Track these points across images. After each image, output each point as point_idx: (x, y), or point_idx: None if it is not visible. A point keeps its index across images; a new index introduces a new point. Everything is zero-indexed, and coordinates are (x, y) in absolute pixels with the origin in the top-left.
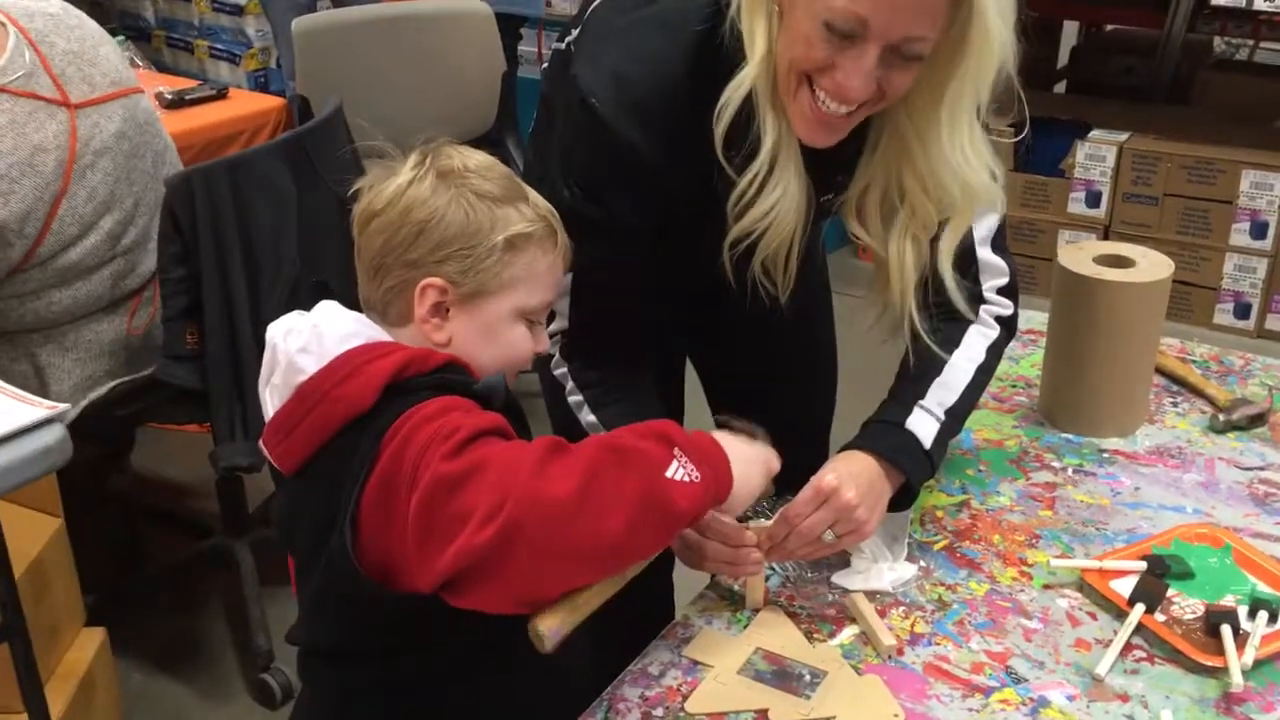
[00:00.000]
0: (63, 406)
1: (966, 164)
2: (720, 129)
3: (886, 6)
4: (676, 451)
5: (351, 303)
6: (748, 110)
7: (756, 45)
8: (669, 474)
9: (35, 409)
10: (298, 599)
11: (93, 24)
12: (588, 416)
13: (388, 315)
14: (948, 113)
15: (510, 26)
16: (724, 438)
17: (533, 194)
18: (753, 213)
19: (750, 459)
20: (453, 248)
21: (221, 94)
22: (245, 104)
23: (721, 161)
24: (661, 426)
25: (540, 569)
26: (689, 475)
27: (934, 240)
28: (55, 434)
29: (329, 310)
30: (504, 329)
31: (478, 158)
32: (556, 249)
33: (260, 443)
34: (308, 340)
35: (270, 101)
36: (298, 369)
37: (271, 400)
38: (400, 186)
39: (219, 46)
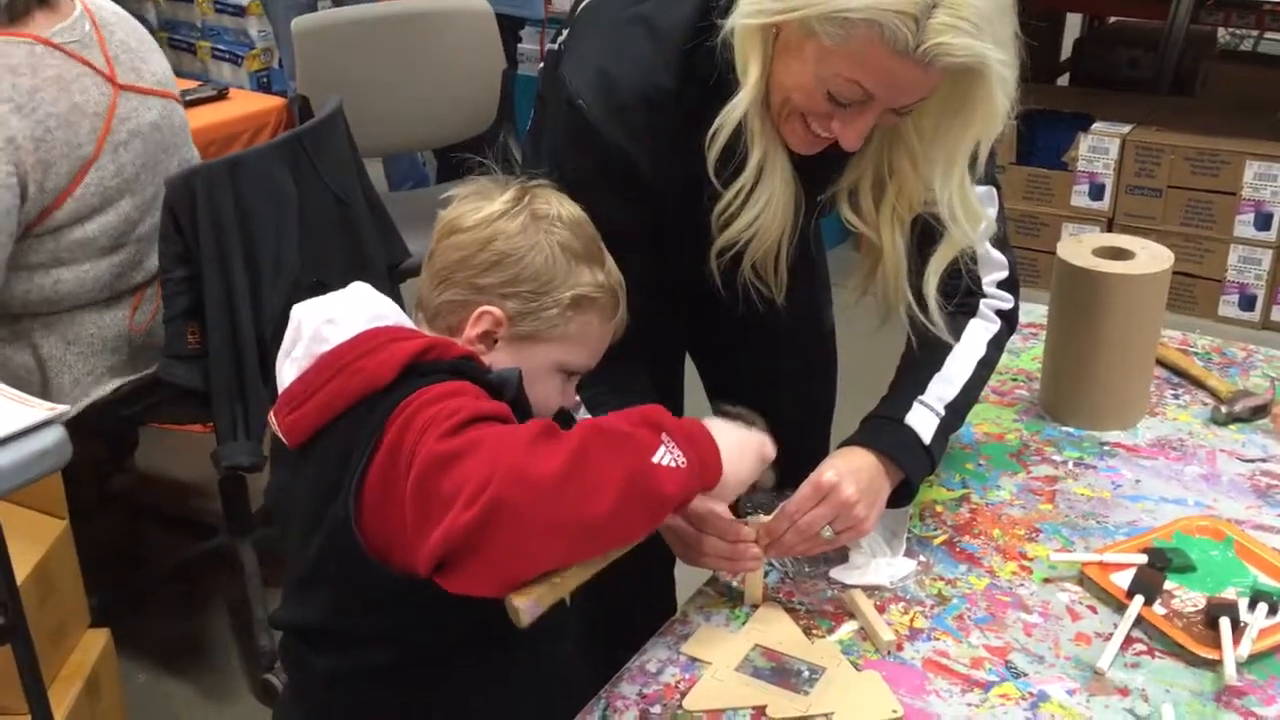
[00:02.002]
0: (61, 408)
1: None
2: (714, 153)
3: (889, 87)
4: (664, 437)
5: None
6: (737, 125)
7: (750, 71)
8: (656, 459)
9: (34, 410)
10: (285, 580)
11: (148, 34)
12: (584, 418)
13: (435, 323)
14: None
15: (509, 27)
16: (715, 424)
17: (609, 261)
18: (737, 224)
19: (742, 445)
20: (521, 288)
21: (222, 94)
22: (246, 104)
23: (711, 177)
24: (650, 413)
25: (523, 547)
26: (675, 460)
27: (921, 263)
28: (54, 436)
29: (361, 290)
30: (541, 377)
31: (571, 210)
32: (613, 320)
33: (270, 414)
34: (336, 313)
35: (270, 101)
36: (322, 339)
37: (289, 372)
38: (491, 214)
39: (221, 47)
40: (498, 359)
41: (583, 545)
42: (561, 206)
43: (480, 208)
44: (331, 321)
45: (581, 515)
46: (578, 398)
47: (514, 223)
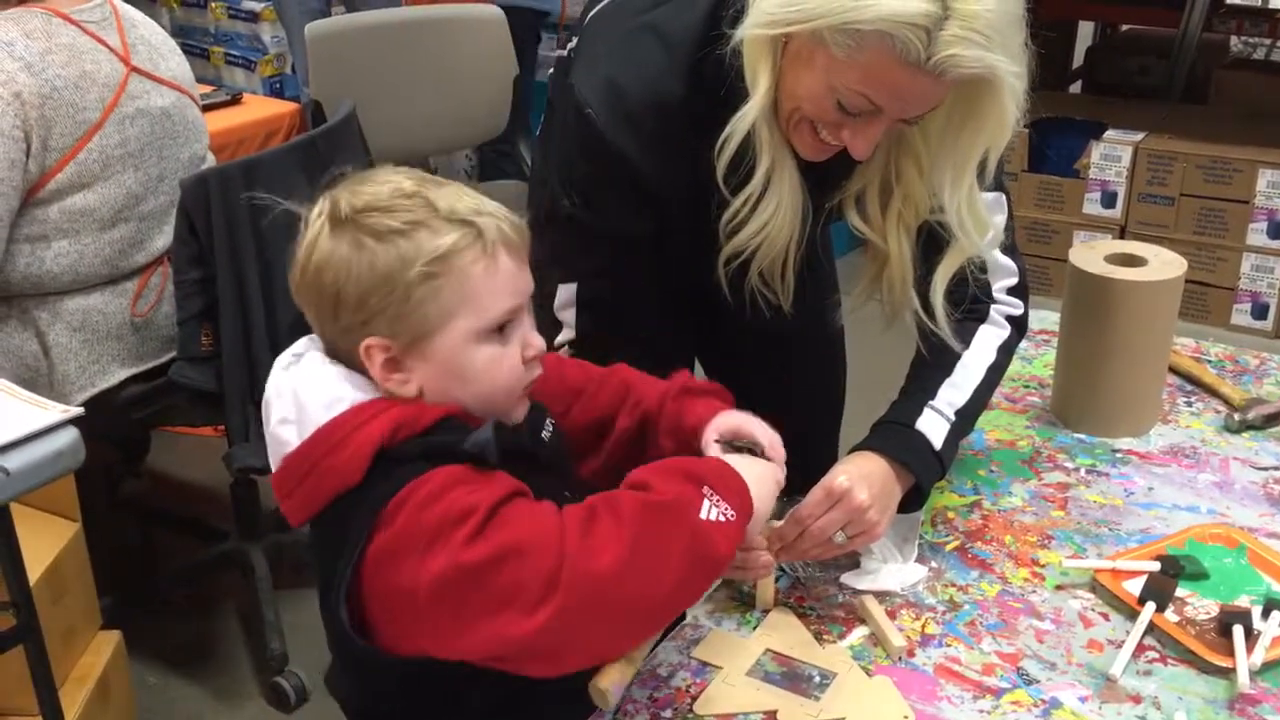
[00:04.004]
0: (75, 410)
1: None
2: (723, 162)
3: (899, 98)
4: (706, 490)
5: None
6: (745, 133)
7: (760, 81)
8: (703, 515)
9: (48, 412)
10: None
11: (172, 40)
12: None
13: (353, 366)
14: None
15: (528, 23)
16: (736, 460)
17: (445, 199)
18: (744, 232)
19: (762, 479)
20: (370, 302)
21: (235, 99)
22: (259, 109)
23: (719, 184)
24: (687, 465)
25: (594, 643)
26: (723, 514)
27: (928, 272)
28: (68, 437)
29: (310, 374)
30: (467, 360)
31: (369, 191)
32: (487, 250)
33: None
34: (288, 410)
35: (284, 106)
36: (280, 441)
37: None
38: (308, 244)
39: (234, 53)
40: (419, 376)
41: (653, 624)
42: (355, 195)
43: (294, 252)
44: (285, 421)
45: (648, 598)
46: (539, 341)
47: (321, 247)
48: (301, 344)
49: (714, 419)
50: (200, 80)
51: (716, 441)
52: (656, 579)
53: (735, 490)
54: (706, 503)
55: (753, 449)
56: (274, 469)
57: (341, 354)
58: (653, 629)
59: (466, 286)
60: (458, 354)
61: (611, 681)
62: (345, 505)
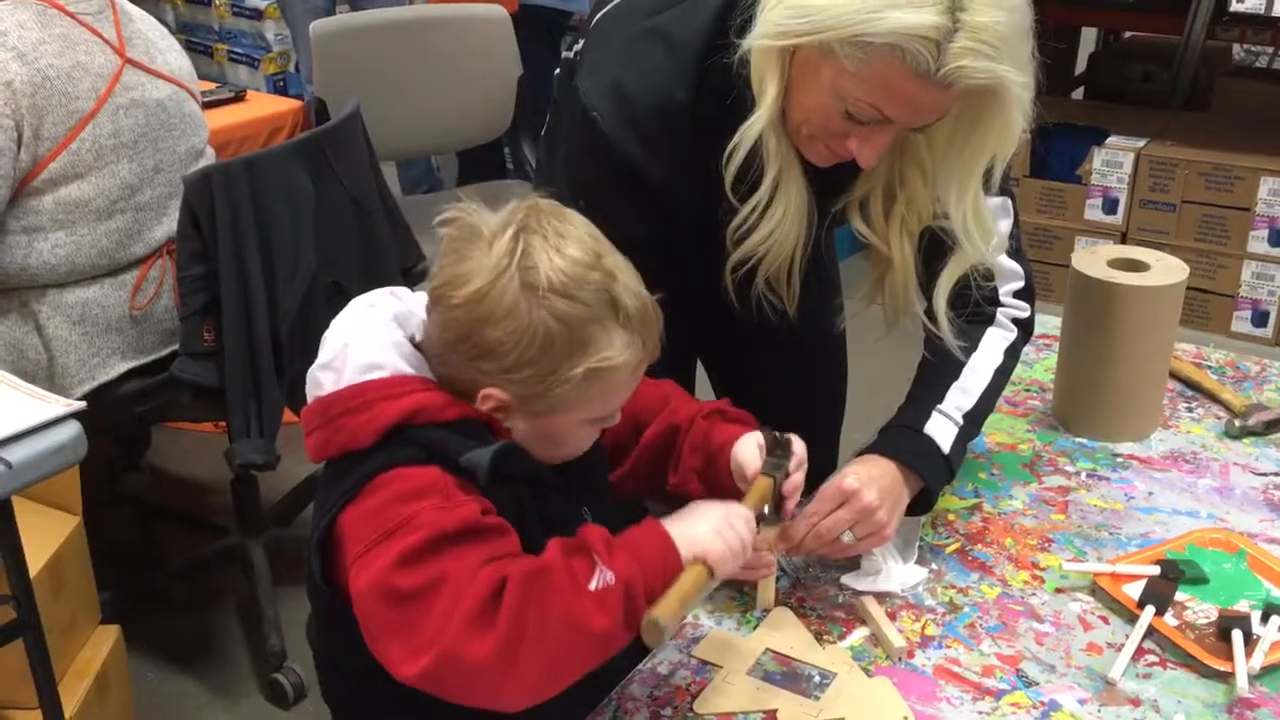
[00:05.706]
0: (78, 404)
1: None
2: (730, 171)
3: (908, 109)
4: (594, 558)
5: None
6: (752, 141)
7: (768, 90)
8: (592, 585)
9: (50, 406)
10: None
11: (172, 36)
12: None
13: (451, 386)
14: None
15: (554, 22)
16: (685, 510)
17: (622, 293)
18: (752, 239)
19: (710, 523)
20: (524, 373)
21: (239, 96)
22: (262, 106)
23: (727, 192)
24: (583, 536)
25: (474, 700)
26: (602, 580)
27: (931, 278)
28: (70, 431)
29: (365, 332)
30: (570, 435)
31: (565, 266)
32: (639, 367)
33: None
34: (333, 357)
35: (287, 104)
36: (317, 383)
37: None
38: (480, 290)
39: (238, 50)
40: (518, 425)
41: (537, 695)
42: (552, 267)
43: (468, 278)
44: (326, 367)
45: (519, 686)
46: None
47: (504, 300)
48: (383, 295)
49: (750, 432)
50: (204, 77)
51: (758, 431)
52: (526, 668)
53: (633, 552)
54: (596, 574)
55: (789, 441)
56: (308, 403)
57: (441, 372)
58: (543, 697)
59: (609, 391)
60: (567, 430)
61: (666, 616)
62: (350, 461)
